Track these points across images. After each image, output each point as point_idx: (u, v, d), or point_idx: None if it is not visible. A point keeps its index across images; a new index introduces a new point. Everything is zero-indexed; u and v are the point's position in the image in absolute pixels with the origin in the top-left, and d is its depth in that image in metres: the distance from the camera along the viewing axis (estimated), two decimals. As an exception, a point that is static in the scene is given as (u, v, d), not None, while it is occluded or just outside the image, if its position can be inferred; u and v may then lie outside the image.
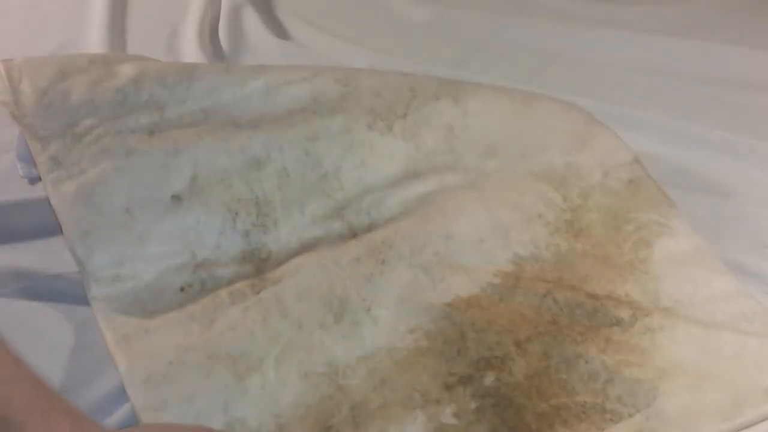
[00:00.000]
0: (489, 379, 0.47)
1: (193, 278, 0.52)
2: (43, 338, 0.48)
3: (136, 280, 0.51)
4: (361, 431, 0.44)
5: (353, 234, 0.56)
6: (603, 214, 0.58)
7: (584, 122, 0.63)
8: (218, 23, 0.83)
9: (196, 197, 0.55)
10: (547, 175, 0.60)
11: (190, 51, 0.77)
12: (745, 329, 0.50)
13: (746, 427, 0.45)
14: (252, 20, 0.83)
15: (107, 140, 0.58)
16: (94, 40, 0.78)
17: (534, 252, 0.55)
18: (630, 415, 0.45)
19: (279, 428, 0.44)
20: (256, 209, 0.56)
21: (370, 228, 0.56)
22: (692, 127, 0.69)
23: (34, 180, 0.59)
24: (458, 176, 0.60)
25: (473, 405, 0.46)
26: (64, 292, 0.52)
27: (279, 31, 0.84)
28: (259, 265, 0.54)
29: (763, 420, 0.46)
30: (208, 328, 0.48)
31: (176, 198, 0.55)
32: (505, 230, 0.56)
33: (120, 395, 0.46)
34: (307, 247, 0.55)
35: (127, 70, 0.62)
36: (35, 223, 0.56)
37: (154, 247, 0.53)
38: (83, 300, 0.51)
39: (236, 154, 0.58)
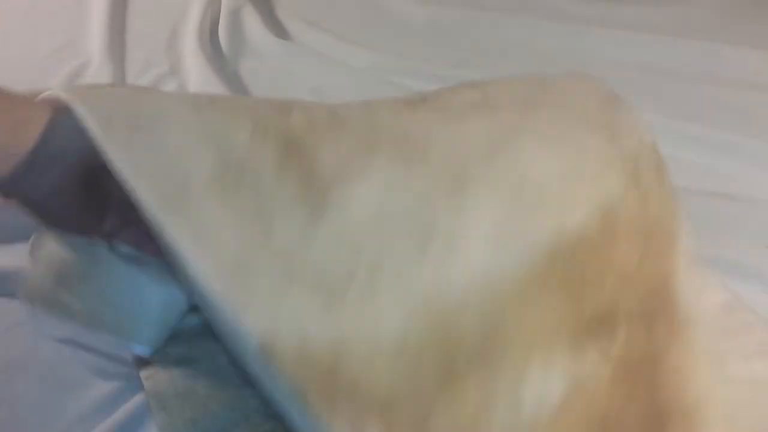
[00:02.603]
0: (620, 335, 0.42)
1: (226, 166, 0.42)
2: (43, 339, 0.48)
3: None
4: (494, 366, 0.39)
5: (423, 98, 0.48)
6: (655, 173, 0.50)
7: (597, 105, 0.54)
8: (218, 23, 0.83)
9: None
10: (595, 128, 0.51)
11: (190, 51, 0.77)
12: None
13: None
14: (252, 20, 0.83)
15: None
16: (94, 40, 0.78)
17: (615, 202, 0.46)
18: None
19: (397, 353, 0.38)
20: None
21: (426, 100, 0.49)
22: (692, 127, 0.69)
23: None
24: (500, 126, 0.50)
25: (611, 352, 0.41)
26: (64, 292, 0.52)
27: (279, 31, 0.84)
28: (309, 170, 0.44)
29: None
30: (268, 235, 0.40)
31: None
32: (578, 176, 0.47)
33: (120, 395, 0.46)
34: (361, 145, 0.46)
35: None
36: (35, 223, 0.56)
37: None
38: (83, 300, 0.51)
39: None
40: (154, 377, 0.46)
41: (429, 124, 0.48)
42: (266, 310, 0.37)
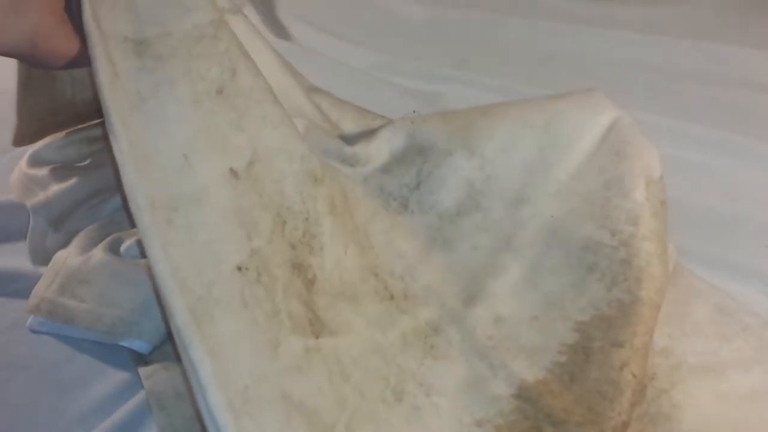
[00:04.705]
0: None
1: (249, 262, 0.43)
2: (43, 339, 0.48)
3: None
4: None
5: (390, 295, 0.50)
6: (657, 243, 0.49)
7: (616, 129, 0.53)
8: (218, 23, 0.83)
9: (251, 183, 0.46)
10: (588, 208, 0.51)
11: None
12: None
13: None
14: (252, 20, 0.83)
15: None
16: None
17: (596, 314, 0.47)
18: None
19: None
20: (303, 225, 0.48)
21: (405, 295, 0.50)
22: (692, 127, 0.69)
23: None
24: (489, 236, 0.53)
25: None
26: (64, 291, 0.52)
27: (279, 31, 0.84)
28: (308, 286, 0.47)
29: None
30: (275, 353, 0.41)
31: (233, 173, 0.45)
32: (557, 301, 0.49)
33: (120, 395, 0.46)
34: (347, 291, 0.48)
35: None
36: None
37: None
38: (83, 300, 0.51)
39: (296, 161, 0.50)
40: (154, 377, 0.46)
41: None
42: None
